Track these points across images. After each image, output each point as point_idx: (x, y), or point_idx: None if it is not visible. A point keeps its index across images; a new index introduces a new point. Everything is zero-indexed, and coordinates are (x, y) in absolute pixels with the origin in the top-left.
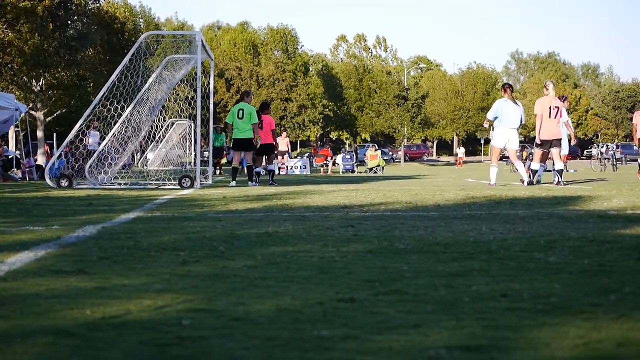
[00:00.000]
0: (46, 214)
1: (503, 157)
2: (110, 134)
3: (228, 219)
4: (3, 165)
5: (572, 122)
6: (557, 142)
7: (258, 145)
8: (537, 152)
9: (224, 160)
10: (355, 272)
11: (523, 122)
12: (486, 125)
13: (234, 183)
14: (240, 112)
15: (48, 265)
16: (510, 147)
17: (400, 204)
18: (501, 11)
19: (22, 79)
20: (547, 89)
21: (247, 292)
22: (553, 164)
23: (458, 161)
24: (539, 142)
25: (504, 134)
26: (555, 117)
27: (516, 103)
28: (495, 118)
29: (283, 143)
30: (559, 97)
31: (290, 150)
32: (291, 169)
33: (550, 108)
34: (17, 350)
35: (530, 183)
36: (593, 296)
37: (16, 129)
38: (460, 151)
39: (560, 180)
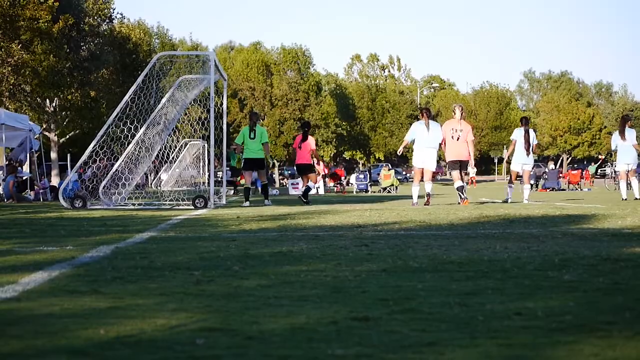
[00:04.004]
0: (60, 235)
1: (518, 176)
2: (124, 154)
3: (242, 238)
4: (17, 186)
5: (586, 141)
6: (465, 164)
7: (271, 164)
8: (453, 173)
9: (243, 181)
10: (370, 291)
11: (440, 142)
12: (401, 149)
13: (247, 203)
14: (252, 132)
15: (62, 285)
16: (426, 168)
17: (414, 223)
18: (514, 30)
19: (36, 100)
20: (454, 112)
21: (261, 311)
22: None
23: (470, 180)
24: (444, 163)
25: (419, 154)
26: (457, 140)
27: (430, 125)
28: (413, 140)
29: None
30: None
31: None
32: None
33: (452, 130)
34: None
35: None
36: (608, 314)
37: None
38: (472, 171)
39: (464, 197)
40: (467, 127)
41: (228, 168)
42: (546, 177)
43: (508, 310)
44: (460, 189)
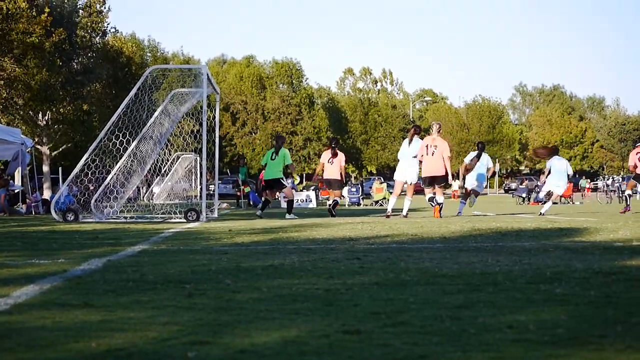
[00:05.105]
0: (52, 248)
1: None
2: (116, 167)
3: (234, 251)
4: (9, 199)
5: (578, 155)
6: (440, 179)
7: (297, 181)
8: (426, 189)
9: (247, 189)
10: (361, 304)
11: (416, 154)
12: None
13: (259, 212)
14: (275, 155)
15: (54, 298)
16: (408, 181)
17: (406, 236)
18: (507, 44)
19: (28, 113)
20: (431, 129)
21: (253, 325)
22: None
23: (453, 194)
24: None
25: (401, 167)
26: (432, 155)
27: (413, 140)
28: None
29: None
30: None
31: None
32: (297, 202)
33: (427, 147)
34: None
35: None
36: (599, 327)
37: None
38: (456, 184)
39: (434, 205)
40: (443, 144)
41: (220, 181)
42: (538, 190)
43: (500, 324)
44: (431, 199)
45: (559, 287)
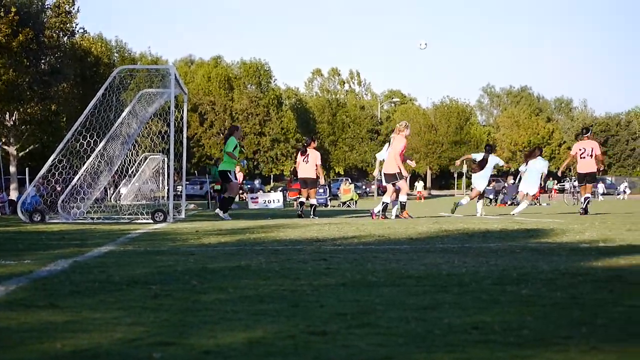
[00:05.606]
0: (18, 248)
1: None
2: (83, 168)
3: (200, 253)
4: None
5: (545, 156)
6: (390, 177)
7: (245, 165)
8: (389, 188)
9: (217, 187)
10: (327, 305)
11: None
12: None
13: (225, 215)
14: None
15: (19, 299)
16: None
17: (373, 237)
18: (474, 45)
19: None
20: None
21: (219, 326)
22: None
23: (418, 196)
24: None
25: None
26: (388, 153)
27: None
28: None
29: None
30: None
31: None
32: (264, 203)
33: (387, 145)
34: None
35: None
36: (565, 328)
37: None
38: (420, 185)
39: (377, 212)
40: (397, 141)
41: (188, 182)
42: (505, 191)
43: (465, 325)
44: (383, 204)
45: (525, 288)
